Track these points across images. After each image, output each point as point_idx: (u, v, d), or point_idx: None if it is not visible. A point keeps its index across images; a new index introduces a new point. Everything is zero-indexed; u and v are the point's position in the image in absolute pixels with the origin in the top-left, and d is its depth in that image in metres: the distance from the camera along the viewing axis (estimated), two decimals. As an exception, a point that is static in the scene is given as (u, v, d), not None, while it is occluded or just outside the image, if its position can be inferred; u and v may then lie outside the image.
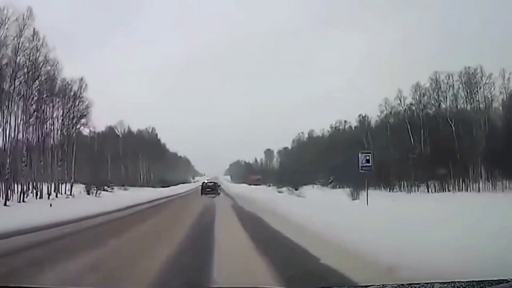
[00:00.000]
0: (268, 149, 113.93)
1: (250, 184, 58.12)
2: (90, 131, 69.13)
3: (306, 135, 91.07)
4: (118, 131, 72.54)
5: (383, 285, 3.24)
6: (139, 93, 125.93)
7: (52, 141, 35.33)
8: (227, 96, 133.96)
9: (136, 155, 70.64)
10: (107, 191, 50.22)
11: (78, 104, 38.19)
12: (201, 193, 41.25)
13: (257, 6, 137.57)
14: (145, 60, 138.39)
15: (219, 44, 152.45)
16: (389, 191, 44.50)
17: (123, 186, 64.47)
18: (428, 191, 41.88)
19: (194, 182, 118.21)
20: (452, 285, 2.83)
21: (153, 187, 69.50)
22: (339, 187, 50.65)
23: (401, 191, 44.58)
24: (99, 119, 72.21)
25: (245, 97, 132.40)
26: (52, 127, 35.26)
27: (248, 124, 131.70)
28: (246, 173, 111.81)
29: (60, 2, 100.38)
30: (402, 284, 3.11)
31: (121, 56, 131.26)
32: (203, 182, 48.08)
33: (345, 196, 33.97)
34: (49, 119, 35.03)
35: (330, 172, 57.37)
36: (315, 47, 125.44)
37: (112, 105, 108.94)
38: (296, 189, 49.28)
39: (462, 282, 2.87)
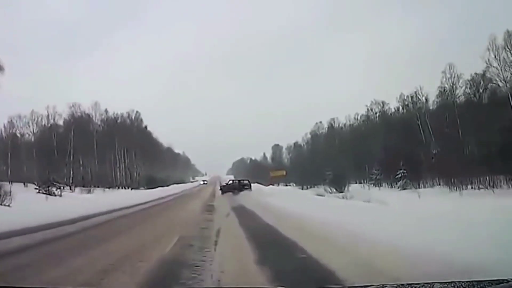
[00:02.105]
0: (277, 145, 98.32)
1: (267, 185, 40.99)
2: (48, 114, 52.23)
3: (326, 125, 73.23)
4: (94, 116, 54.38)
5: (383, 285, 3.09)
6: (141, 90, 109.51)
7: None
8: (229, 94, 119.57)
9: (112, 147, 52.44)
10: (50, 194, 32.38)
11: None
12: (222, 192, 32.71)
13: (263, 4, 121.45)
14: (148, 57, 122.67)
15: (223, 41, 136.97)
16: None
17: (93, 187, 46.83)
18: None
19: (192, 182, 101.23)
20: (452, 285, 2.69)
21: (135, 188, 51.46)
22: (417, 186, 32.92)
23: None
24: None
25: (248, 94, 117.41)
26: None
27: (252, 121, 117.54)
28: (253, 171, 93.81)
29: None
30: (402, 284, 2.97)
31: (122, 53, 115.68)
32: (229, 181, 42.48)
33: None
34: None
35: (389, 165, 38.46)
36: (324, 39, 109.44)
37: (111, 103, 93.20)
38: (340, 191, 31.36)
39: (462, 282, 2.75)
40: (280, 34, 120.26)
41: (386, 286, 3.08)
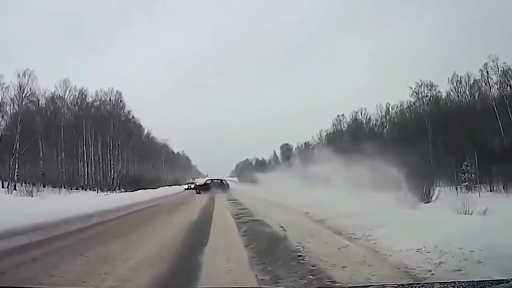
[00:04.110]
0: (286, 144, 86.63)
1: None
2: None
3: (349, 118, 60.01)
4: (61, 95, 41.27)
5: (383, 285, 3.07)
6: (142, 88, 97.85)
7: None
8: (233, 93, 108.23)
9: (79, 135, 39.25)
10: None
11: None
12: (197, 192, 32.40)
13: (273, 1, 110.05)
14: (149, 56, 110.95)
15: (228, 39, 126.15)
16: None
17: (59, 186, 33.99)
18: None
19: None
20: (452, 285, 2.50)
21: (110, 190, 38.37)
22: None
23: None
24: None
25: (253, 94, 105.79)
26: None
27: (257, 121, 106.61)
28: (259, 172, 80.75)
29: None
30: (402, 284, 2.96)
31: (124, 50, 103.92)
32: (208, 180, 38.05)
33: None
34: None
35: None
36: (335, 33, 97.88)
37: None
38: (426, 199, 18.11)
39: (462, 282, 2.62)
40: (286, 32, 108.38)
41: (386, 286, 3.03)
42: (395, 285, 2.94)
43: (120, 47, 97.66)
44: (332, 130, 62.04)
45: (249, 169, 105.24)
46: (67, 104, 40.74)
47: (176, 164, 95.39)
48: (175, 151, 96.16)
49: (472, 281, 2.59)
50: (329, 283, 4.23)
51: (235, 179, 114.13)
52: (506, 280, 2.46)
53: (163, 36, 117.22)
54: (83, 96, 39.67)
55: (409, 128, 39.20)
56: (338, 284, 4.22)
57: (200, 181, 44.09)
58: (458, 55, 63.84)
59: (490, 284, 2.45)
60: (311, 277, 4.37)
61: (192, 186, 40.76)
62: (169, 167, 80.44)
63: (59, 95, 40.60)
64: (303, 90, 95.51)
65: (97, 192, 34.98)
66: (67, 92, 40.81)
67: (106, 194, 30.50)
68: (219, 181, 37.13)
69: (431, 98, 41.95)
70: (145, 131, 57.59)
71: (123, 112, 43.69)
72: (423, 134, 36.95)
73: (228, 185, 35.91)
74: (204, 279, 4.43)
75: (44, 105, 38.95)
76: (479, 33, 65.64)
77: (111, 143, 41.69)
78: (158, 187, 47.79)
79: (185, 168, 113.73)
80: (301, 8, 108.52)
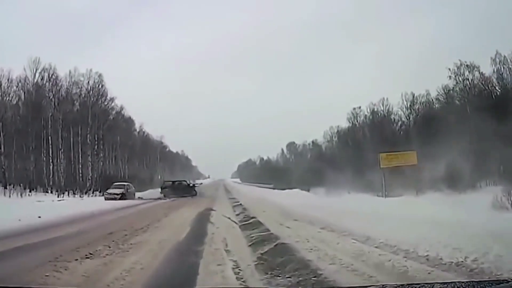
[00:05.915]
0: (292, 142, 79.09)
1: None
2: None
3: (368, 112, 51.89)
4: (29, 77, 34.11)
5: (383, 285, 3.02)
6: (141, 89, 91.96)
7: None
8: (234, 92, 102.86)
9: (46, 124, 31.98)
10: None
11: None
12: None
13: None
14: (151, 56, 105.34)
15: (230, 37, 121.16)
16: None
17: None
18: None
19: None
20: (452, 285, 2.48)
21: (80, 193, 31.07)
22: None
23: None
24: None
25: (255, 92, 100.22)
26: None
27: (260, 120, 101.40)
28: (264, 172, 73.18)
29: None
30: (402, 284, 2.90)
31: (126, 51, 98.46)
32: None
33: None
34: None
35: None
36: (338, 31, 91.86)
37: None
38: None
39: (462, 282, 2.70)
40: (292, 29, 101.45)
41: (386, 286, 2.98)
42: (395, 285, 2.86)
43: (120, 46, 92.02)
44: (349, 125, 53.94)
45: (252, 169, 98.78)
46: (37, 87, 33.72)
47: (174, 165, 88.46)
48: (174, 151, 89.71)
49: (472, 281, 2.65)
50: (330, 283, 4.21)
51: (238, 180, 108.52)
52: (506, 280, 2.52)
53: (164, 37, 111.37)
54: (49, 76, 32.47)
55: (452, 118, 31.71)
56: (338, 285, 4.20)
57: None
58: (499, 34, 56.32)
59: (490, 284, 2.39)
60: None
61: (118, 192, 26.11)
62: (166, 168, 73.34)
63: (28, 78, 33.74)
64: (308, 89, 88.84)
65: (59, 195, 27.72)
66: (37, 75, 33.90)
67: (59, 200, 23.08)
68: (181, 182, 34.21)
69: (472, 81, 34.57)
70: (137, 127, 50.64)
71: (104, 98, 36.37)
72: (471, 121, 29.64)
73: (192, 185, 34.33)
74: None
75: (7, 87, 32.10)
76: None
77: (88, 137, 34.44)
78: (148, 189, 40.54)
79: (185, 169, 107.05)
80: (310, 4, 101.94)
